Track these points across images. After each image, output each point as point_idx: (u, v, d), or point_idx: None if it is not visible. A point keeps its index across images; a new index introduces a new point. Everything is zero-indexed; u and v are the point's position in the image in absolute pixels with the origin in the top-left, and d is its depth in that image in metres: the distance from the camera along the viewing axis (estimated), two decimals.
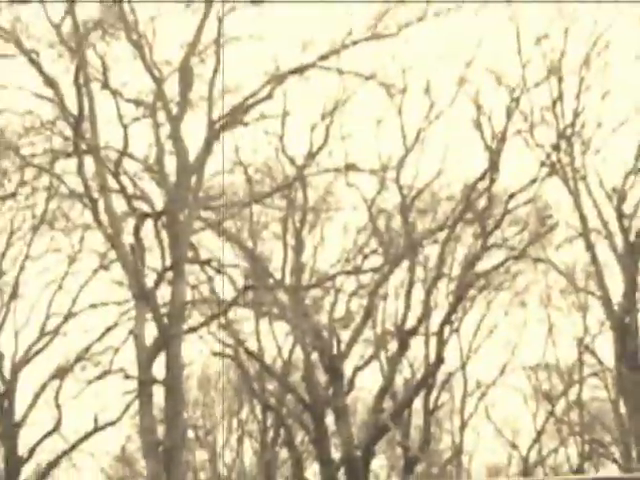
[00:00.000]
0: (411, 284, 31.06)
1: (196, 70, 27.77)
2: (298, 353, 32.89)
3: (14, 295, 32.66)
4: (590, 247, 30.97)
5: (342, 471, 31.02)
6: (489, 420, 39.88)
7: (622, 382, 31.13)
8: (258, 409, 37.22)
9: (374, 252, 31.50)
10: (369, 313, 31.25)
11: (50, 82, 26.78)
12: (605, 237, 31.05)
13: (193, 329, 28.95)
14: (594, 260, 31.04)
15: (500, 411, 40.21)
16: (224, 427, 41.25)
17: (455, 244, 32.22)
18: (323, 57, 27.52)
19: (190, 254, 29.35)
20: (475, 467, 42.02)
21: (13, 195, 30.19)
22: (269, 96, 28.04)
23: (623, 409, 32.64)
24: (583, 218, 30.85)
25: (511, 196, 30.31)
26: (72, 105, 26.62)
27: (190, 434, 36.10)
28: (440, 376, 33.65)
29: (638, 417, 30.13)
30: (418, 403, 33.63)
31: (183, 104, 27.55)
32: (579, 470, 36.96)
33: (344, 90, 29.15)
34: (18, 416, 32.74)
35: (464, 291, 31.27)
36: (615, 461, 35.28)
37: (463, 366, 37.23)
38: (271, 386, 34.84)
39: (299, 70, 27.63)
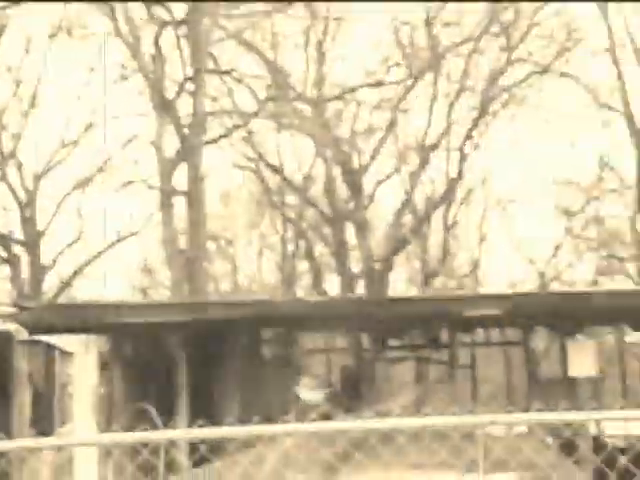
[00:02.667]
0: (434, 98, 30.71)
1: None
2: (319, 167, 32.87)
3: (33, 104, 32.34)
4: (616, 62, 30.49)
5: (361, 283, 31.51)
6: (508, 236, 40.01)
7: None
8: (278, 222, 37.47)
9: (397, 64, 30.98)
10: (392, 127, 31.03)
11: None
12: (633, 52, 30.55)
13: (214, 140, 28.89)
14: (619, 76, 30.59)
15: (519, 228, 40.37)
16: (245, 239, 41.64)
17: (479, 57, 31.58)
18: None
19: (210, 65, 29.02)
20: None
21: None
22: None
23: None
24: (610, 31, 30.26)
25: None
26: None
27: (211, 245, 36.38)
28: (461, 194, 33.77)
29: None
30: (438, 223, 33.90)
31: None
32: (593, 284, 37.29)
33: None
34: (41, 227, 33.03)
35: (487, 105, 30.95)
36: (629, 276, 35.58)
37: (483, 182, 37.12)
38: (292, 199, 34.94)
39: None
